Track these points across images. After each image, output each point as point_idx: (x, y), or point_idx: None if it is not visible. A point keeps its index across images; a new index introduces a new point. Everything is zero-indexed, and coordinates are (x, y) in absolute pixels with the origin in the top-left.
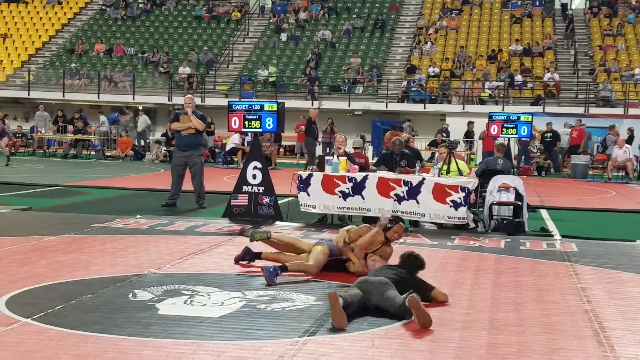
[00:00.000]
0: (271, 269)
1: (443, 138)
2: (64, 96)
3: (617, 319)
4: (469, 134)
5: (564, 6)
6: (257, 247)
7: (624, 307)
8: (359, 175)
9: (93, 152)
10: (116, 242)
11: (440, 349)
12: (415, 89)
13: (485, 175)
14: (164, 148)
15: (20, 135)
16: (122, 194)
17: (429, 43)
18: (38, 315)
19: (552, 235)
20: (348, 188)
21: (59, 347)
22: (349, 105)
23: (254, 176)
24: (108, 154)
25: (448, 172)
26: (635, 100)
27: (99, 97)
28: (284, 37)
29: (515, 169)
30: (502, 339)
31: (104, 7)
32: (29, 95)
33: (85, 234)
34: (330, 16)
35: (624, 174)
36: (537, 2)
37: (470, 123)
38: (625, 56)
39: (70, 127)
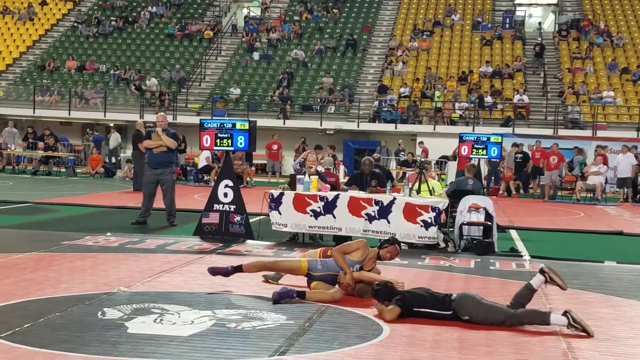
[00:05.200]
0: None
1: (414, 158)
2: (34, 112)
3: (585, 340)
4: (444, 156)
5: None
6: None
7: (591, 327)
8: (330, 195)
9: (63, 169)
10: (86, 259)
11: None
12: (386, 109)
13: (455, 195)
14: (134, 166)
15: None
16: (92, 211)
17: (401, 64)
18: (5, 333)
19: (522, 256)
20: (319, 207)
21: None
22: (321, 125)
23: (226, 194)
24: (78, 171)
25: (419, 192)
26: (603, 122)
27: (69, 114)
28: (256, 56)
29: (485, 190)
30: (472, 359)
31: (75, 24)
32: None
33: (54, 251)
34: (302, 36)
35: (592, 195)
36: (507, 25)
37: (454, 157)
38: (594, 79)
39: (40, 144)
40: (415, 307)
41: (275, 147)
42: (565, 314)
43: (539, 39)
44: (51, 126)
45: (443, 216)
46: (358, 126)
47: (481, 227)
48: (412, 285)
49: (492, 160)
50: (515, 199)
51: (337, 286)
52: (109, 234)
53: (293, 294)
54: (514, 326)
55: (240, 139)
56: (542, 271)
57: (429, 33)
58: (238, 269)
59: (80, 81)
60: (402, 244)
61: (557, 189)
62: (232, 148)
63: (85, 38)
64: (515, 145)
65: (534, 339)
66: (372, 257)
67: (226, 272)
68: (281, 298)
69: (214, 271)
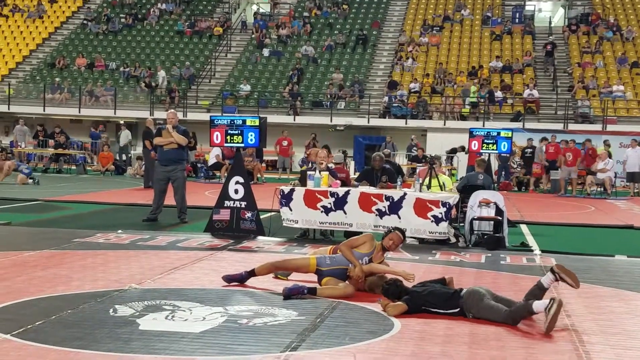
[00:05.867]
0: (298, 288)
1: (425, 153)
2: (44, 110)
3: (596, 334)
4: (453, 150)
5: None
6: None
7: (602, 321)
8: (341, 190)
9: (74, 167)
10: (97, 257)
11: None
12: (396, 104)
13: (466, 190)
14: (145, 163)
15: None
16: (103, 208)
17: (410, 59)
18: (17, 331)
19: (532, 250)
20: (330, 203)
21: None
22: (331, 121)
23: (236, 191)
24: (89, 168)
25: (429, 187)
26: (613, 117)
27: (79, 112)
28: (266, 52)
29: (495, 185)
30: (482, 354)
31: (85, 22)
32: (9, 109)
33: (65, 249)
34: (312, 32)
35: (602, 189)
36: (517, 20)
37: (462, 148)
38: (604, 73)
39: (51, 142)
40: (424, 306)
41: (285, 143)
42: (552, 271)
43: (550, 37)
44: (61, 124)
45: (453, 211)
46: (368, 122)
47: (492, 222)
48: (424, 279)
49: (502, 155)
50: (529, 193)
51: (347, 281)
52: (119, 231)
53: (304, 290)
54: (512, 325)
55: (251, 135)
56: (552, 271)
57: (438, 28)
58: (251, 273)
59: (90, 79)
60: (413, 239)
61: (567, 184)
62: (242, 144)
63: (95, 35)
64: (544, 139)
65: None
66: (379, 250)
67: (241, 278)
68: (292, 294)
69: (229, 279)
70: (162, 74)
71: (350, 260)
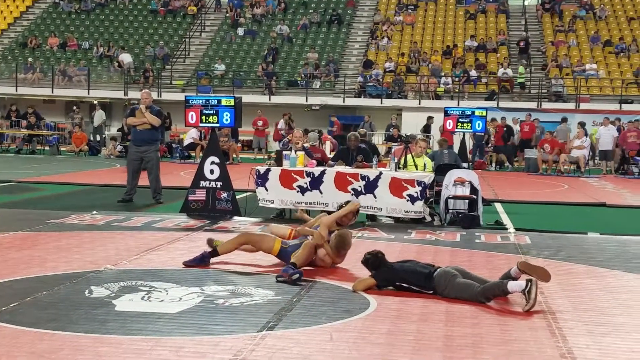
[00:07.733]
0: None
1: (400, 133)
2: (16, 90)
3: (568, 310)
4: (427, 128)
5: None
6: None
7: (575, 298)
8: (316, 170)
9: (47, 148)
10: (72, 238)
11: (398, 341)
12: (372, 84)
13: (440, 169)
14: (119, 144)
15: None
16: (77, 189)
17: (385, 38)
18: None
19: (506, 229)
20: (306, 183)
21: (13, 345)
22: (307, 100)
23: (212, 171)
24: (62, 149)
25: (405, 166)
26: (586, 95)
27: (52, 92)
28: (240, 31)
29: (470, 163)
30: (458, 331)
31: (57, 0)
32: None
33: (40, 230)
34: (287, 11)
35: (576, 167)
36: None
37: (430, 118)
38: (577, 52)
39: (23, 122)
40: (399, 282)
41: (260, 122)
42: (517, 267)
43: (524, 33)
44: (34, 104)
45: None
46: (344, 101)
47: (466, 201)
48: (400, 259)
49: (477, 134)
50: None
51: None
52: (94, 212)
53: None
54: (483, 302)
55: (226, 115)
56: (518, 267)
57: (413, 7)
58: (213, 253)
59: (62, 58)
60: (388, 218)
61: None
62: (218, 125)
63: (67, 14)
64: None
65: (519, 310)
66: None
67: (202, 258)
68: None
69: (189, 263)
70: (126, 57)
71: (307, 233)
